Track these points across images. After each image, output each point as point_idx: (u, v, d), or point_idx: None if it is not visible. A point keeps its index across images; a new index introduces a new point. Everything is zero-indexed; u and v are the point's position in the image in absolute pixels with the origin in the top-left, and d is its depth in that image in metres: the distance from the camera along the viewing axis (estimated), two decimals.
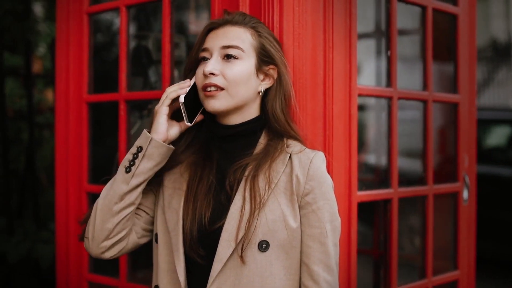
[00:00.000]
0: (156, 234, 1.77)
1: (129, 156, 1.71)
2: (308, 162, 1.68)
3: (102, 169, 2.66)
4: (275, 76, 1.75)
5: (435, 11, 2.52)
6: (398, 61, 2.36)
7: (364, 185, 2.24)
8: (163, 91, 2.18)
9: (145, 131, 1.71)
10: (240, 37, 1.72)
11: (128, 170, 1.70)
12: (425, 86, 2.50)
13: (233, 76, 1.68)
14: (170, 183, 1.77)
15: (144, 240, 1.83)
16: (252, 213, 1.63)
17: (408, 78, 3.02)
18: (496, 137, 6.56)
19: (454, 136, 2.69)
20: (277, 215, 1.64)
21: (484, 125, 6.25)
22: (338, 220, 1.70)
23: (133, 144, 1.73)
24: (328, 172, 1.72)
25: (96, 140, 2.61)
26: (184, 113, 1.71)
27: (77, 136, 2.55)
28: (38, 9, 5.94)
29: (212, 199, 1.71)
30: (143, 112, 2.77)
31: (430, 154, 2.50)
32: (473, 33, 2.72)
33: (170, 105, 1.74)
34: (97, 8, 2.58)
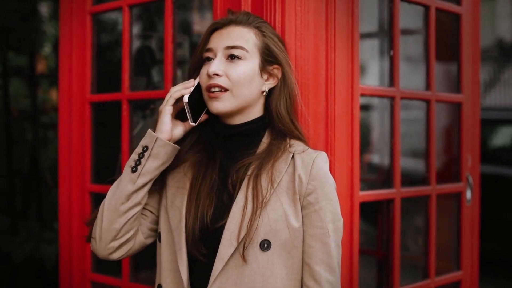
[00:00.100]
0: (159, 233, 1.78)
1: (134, 156, 1.71)
2: (310, 162, 1.68)
3: (105, 169, 2.67)
4: (279, 75, 1.75)
5: (439, 10, 2.51)
6: (403, 61, 2.36)
7: (368, 185, 2.24)
8: (165, 91, 2.20)
9: (150, 130, 1.72)
10: (244, 37, 1.71)
11: (134, 169, 1.70)
12: (428, 86, 2.49)
13: (237, 76, 1.68)
14: (174, 182, 1.77)
15: (150, 240, 1.83)
16: (254, 212, 1.63)
17: (413, 78, 3.02)
18: (502, 137, 6.53)
19: (457, 136, 2.69)
20: (279, 214, 1.64)
21: (490, 125, 6.23)
22: (340, 221, 1.70)
23: (136, 144, 1.73)
24: (330, 172, 1.72)
25: (99, 140, 2.62)
26: (188, 113, 1.72)
27: (80, 136, 2.56)
28: (44, 9, 5.96)
29: (214, 198, 1.71)
30: (146, 112, 2.77)
31: (433, 154, 2.49)
32: (477, 33, 2.71)
33: (175, 105, 1.74)
34: (100, 8, 2.58)
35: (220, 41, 1.72)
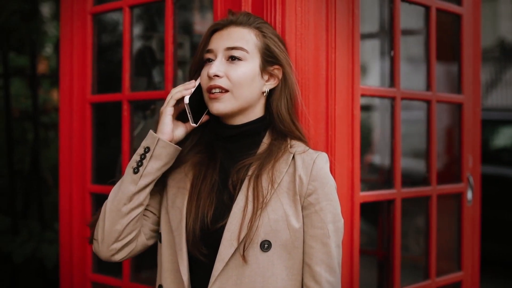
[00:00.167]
0: (160, 234, 1.78)
1: (136, 157, 1.71)
2: (311, 163, 1.68)
3: (106, 169, 2.67)
4: (280, 76, 1.75)
5: (439, 11, 2.51)
6: (403, 61, 2.35)
7: (368, 185, 2.24)
8: (166, 91, 2.20)
9: (151, 131, 1.72)
10: (244, 38, 1.71)
11: (136, 170, 1.70)
12: (428, 86, 2.49)
13: (238, 77, 1.68)
14: (175, 183, 1.77)
15: (152, 242, 1.83)
16: (254, 213, 1.63)
17: (414, 79, 3.02)
18: (503, 138, 6.53)
19: (458, 137, 2.68)
20: (279, 215, 1.64)
21: (491, 125, 6.22)
22: (341, 221, 1.70)
23: (137, 144, 1.73)
24: (331, 172, 1.72)
25: (100, 140, 2.62)
26: (189, 113, 1.72)
27: (81, 136, 2.56)
28: (45, 10, 5.96)
29: (215, 198, 1.71)
30: (147, 112, 2.77)
31: (433, 154, 2.49)
32: (478, 33, 2.71)
33: (176, 106, 1.74)
34: (101, 8, 2.58)
35: (220, 42, 1.72)
